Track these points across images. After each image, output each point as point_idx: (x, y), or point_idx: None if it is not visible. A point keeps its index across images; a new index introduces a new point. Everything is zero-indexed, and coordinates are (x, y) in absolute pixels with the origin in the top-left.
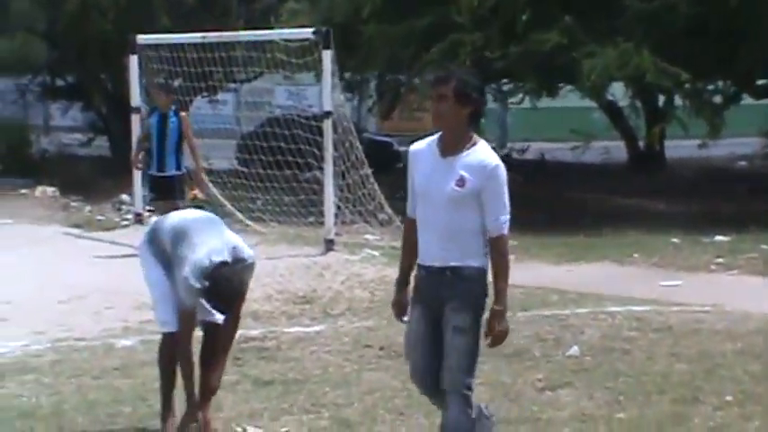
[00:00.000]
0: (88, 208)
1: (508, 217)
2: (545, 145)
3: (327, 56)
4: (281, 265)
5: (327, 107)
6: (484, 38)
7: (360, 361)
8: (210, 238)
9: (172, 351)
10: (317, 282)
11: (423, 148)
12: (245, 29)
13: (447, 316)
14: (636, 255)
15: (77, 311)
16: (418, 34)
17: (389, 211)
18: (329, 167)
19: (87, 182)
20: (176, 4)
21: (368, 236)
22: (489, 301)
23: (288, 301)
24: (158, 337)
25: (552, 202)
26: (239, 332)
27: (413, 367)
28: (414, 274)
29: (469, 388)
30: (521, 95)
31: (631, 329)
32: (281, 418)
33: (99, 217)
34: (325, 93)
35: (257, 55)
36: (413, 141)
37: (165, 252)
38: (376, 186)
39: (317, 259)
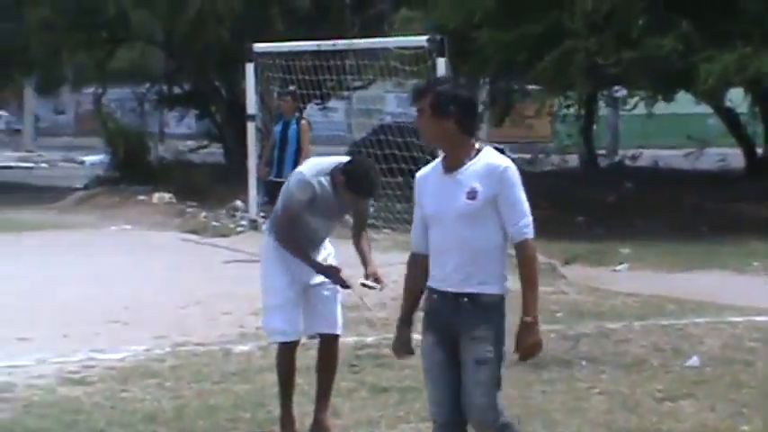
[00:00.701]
0: (203, 214)
1: (530, 219)
2: (658, 152)
3: (441, 63)
4: (393, 272)
5: None
6: (598, 44)
7: None
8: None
9: (289, 359)
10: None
11: (427, 171)
12: (359, 36)
13: (467, 347)
14: (756, 263)
15: (195, 317)
16: (531, 40)
17: None
18: None
19: (202, 188)
20: (291, 12)
21: None
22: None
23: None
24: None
25: (667, 209)
26: (355, 339)
27: (429, 397)
28: (424, 296)
29: (498, 419)
30: (635, 101)
31: (753, 340)
32: (397, 426)
33: (214, 223)
34: None
35: (370, 62)
36: (524, 149)
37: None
38: None
39: None
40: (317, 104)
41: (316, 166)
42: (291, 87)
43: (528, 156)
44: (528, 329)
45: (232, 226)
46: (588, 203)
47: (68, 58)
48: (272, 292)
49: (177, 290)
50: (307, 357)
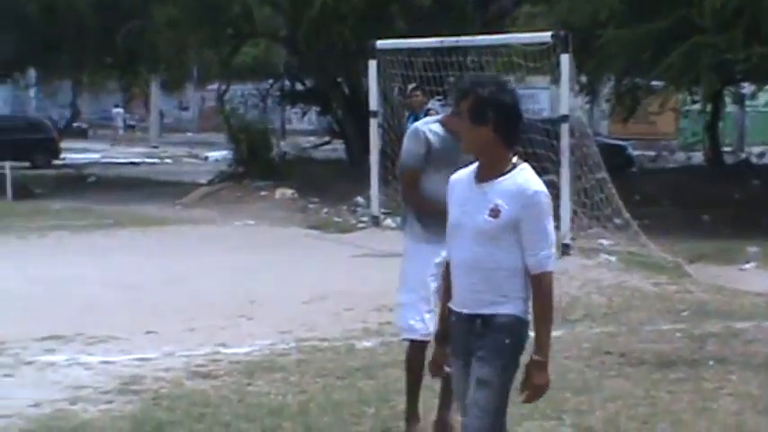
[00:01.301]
0: (325, 210)
1: (552, 251)
2: None
3: (565, 60)
4: None
5: (564, 111)
6: (726, 40)
7: (600, 367)
8: None
9: (419, 357)
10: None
11: (462, 176)
12: (481, 33)
13: (473, 365)
14: None
15: (319, 312)
16: (657, 37)
17: (626, 215)
18: (565, 172)
19: (324, 184)
20: (413, 9)
21: (603, 241)
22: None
23: None
24: (398, 339)
25: None
26: None
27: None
28: (449, 320)
29: None
30: (765, 99)
31: None
32: (521, 423)
33: (336, 219)
34: (562, 97)
35: (491, 59)
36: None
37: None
38: (613, 190)
39: None
40: (438, 101)
41: (427, 120)
42: (412, 84)
43: (652, 152)
44: (536, 368)
45: (353, 222)
46: (714, 201)
47: (194, 54)
48: (408, 289)
49: (301, 285)
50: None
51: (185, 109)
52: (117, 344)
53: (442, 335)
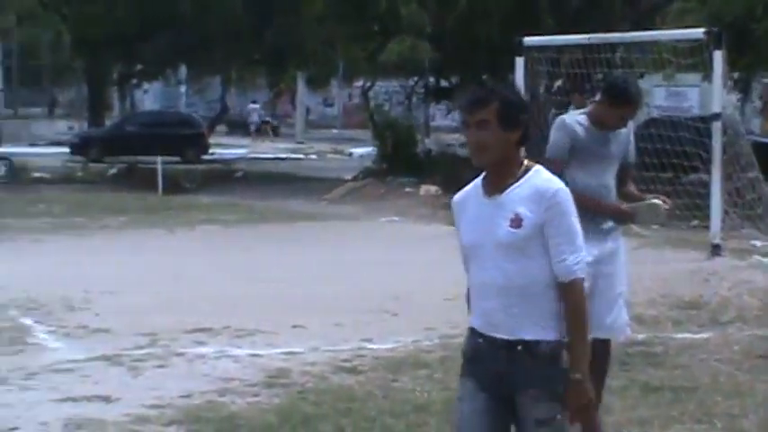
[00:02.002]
0: None
1: (581, 255)
2: None
3: (718, 57)
4: (665, 270)
5: (716, 109)
6: None
7: (752, 371)
8: None
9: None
10: (703, 287)
11: (464, 194)
12: (629, 29)
13: (526, 405)
14: None
15: (463, 309)
16: None
17: None
18: (716, 170)
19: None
20: (561, 5)
21: (756, 242)
22: None
23: (673, 306)
24: None
25: None
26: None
27: None
28: (466, 338)
29: None
30: None
31: None
32: (671, 426)
33: None
34: (714, 94)
35: (641, 56)
36: None
37: None
38: (766, 190)
39: (702, 264)
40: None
41: (573, 112)
42: (558, 82)
43: None
44: (577, 388)
45: None
46: None
47: (340, 51)
48: None
49: (445, 282)
50: None
51: (330, 105)
52: (264, 337)
53: None
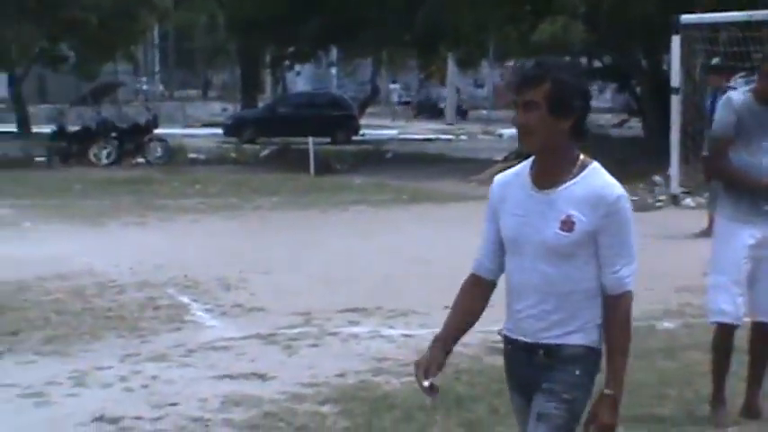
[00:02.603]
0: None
1: (635, 267)
2: None
3: None
4: None
5: None
6: None
7: None
8: None
9: (727, 341)
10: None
11: (509, 179)
12: None
13: (534, 399)
14: None
15: None
16: None
17: None
18: None
19: (621, 162)
20: None
21: None
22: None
23: None
24: (700, 321)
25: None
26: None
27: None
28: (504, 349)
29: None
30: None
31: None
32: None
33: (633, 197)
34: None
35: None
36: None
37: None
38: None
39: None
40: (741, 77)
41: (740, 90)
42: (715, 60)
43: None
44: (605, 405)
45: (650, 201)
46: None
47: (493, 32)
48: (719, 271)
49: None
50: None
51: (480, 86)
52: (416, 318)
53: (444, 337)
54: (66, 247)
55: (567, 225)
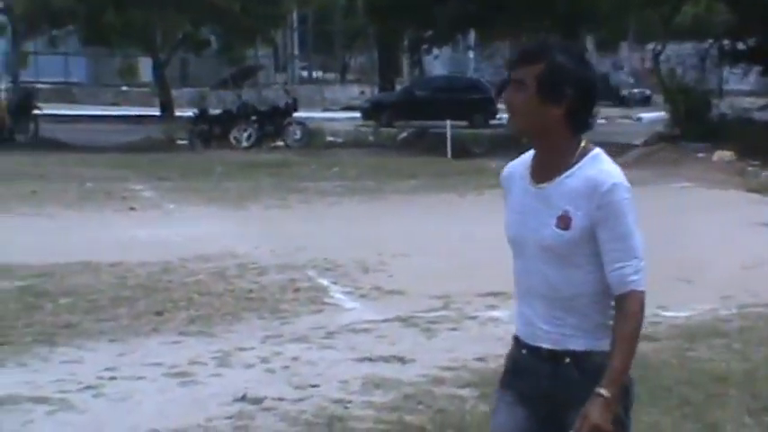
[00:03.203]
0: (766, 173)
1: (641, 263)
2: None
3: None
4: None
5: None
6: None
7: None
8: None
9: None
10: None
11: (515, 167)
12: None
13: (565, 424)
14: None
15: (761, 277)
16: None
17: None
18: None
19: (765, 147)
20: None
21: None
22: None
23: None
24: None
25: None
26: None
27: None
28: (511, 349)
29: None
30: None
31: None
32: None
33: None
34: None
35: None
36: None
37: None
38: None
39: None
40: None
41: None
42: None
43: None
44: (598, 407)
45: None
46: None
47: (633, 14)
48: None
49: (742, 249)
50: None
51: (620, 69)
52: None
53: None
54: (209, 228)
55: (564, 222)
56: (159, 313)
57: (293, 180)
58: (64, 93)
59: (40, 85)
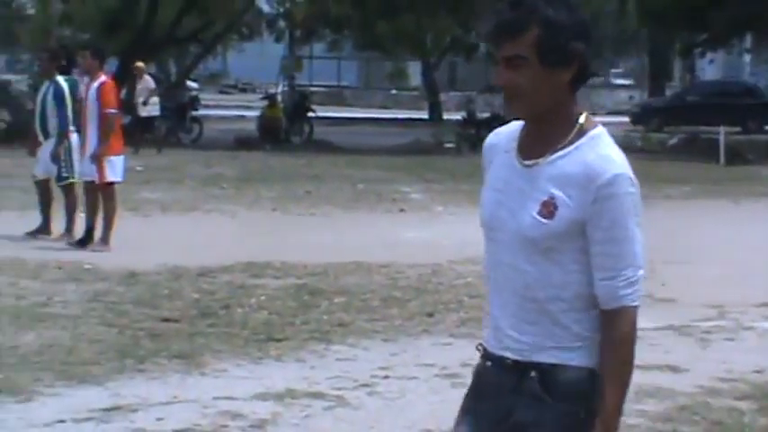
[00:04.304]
0: None
1: (637, 274)
2: None
3: None
4: None
5: None
6: None
7: None
8: None
9: None
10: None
11: (500, 137)
12: None
13: None
14: None
15: None
16: None
17: None
18: None
19: None
20: None
21: None
22: None
23: None
24: None
25: None
26: None
27: None
28: (477, 362)
29: None
30: None
31: None
32: None
33: None
34: None
35: None
36: None
37: None
38: None
39: None
40: None
41: None
42: None
43: None
44: None
45: None
46: None
47: None
48: None
49: None
50: None
51: None
52: None
53: None
54: (476, 231)
55: (548, 209)
56: (430, 314)
57: None
58: (336, 96)
59: (313, 89)
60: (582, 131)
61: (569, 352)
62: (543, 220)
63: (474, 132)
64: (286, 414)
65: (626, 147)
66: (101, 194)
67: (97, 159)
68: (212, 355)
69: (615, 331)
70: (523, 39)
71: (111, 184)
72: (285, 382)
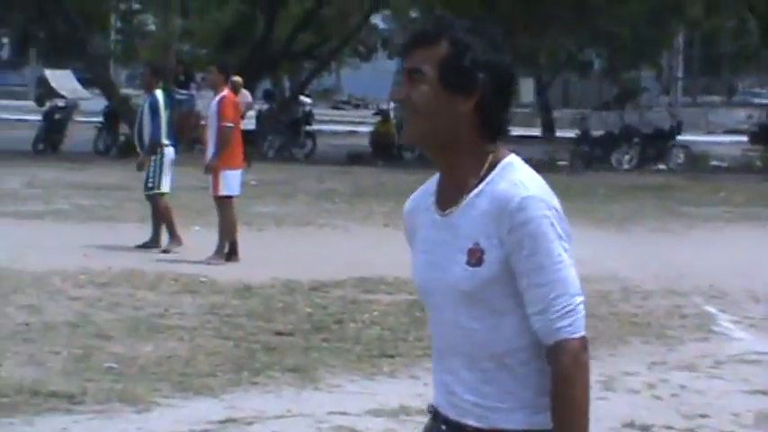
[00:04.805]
0: None
1: (571, 302)
2: None
3: None
4: None
5: None
6: None
7: None
8: None
9: None
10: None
11: (416, 201)
12: None
13: None
14: None
15: None
16: None
17: None
18: None
19: None
20: None
21: None
22: None
23: None
24: None
25: None
26: None
27: None
28: (427, 423)
29: None
30: None
31: None
32: None
33: None
34: None
35: None
36: None
37: None
38: None
39: None
40: None
41: None
42: None
43: None
44: None
45: None
46: None
47: None
48: None
49: None
50: None
51: None
52: None
53: None
54: (592, 250)
55: (475, 256)
56: None
57: (676, 204)
58: None
59: None
60: (493, 164)
61: (535, 413)
62: (473, 269)
63: (588, 150)
64: (400, 431)
65: (744, 167)
66: (217, 207)
67: (212, 172)
68: (326, 369)
69: (557, 370)
70: (430, 52)
71: (227, 197)
72: (399, 399)
